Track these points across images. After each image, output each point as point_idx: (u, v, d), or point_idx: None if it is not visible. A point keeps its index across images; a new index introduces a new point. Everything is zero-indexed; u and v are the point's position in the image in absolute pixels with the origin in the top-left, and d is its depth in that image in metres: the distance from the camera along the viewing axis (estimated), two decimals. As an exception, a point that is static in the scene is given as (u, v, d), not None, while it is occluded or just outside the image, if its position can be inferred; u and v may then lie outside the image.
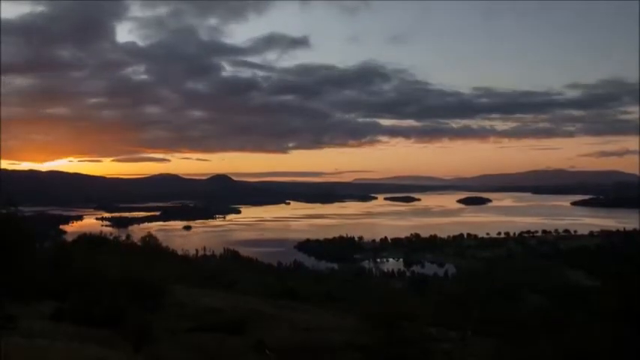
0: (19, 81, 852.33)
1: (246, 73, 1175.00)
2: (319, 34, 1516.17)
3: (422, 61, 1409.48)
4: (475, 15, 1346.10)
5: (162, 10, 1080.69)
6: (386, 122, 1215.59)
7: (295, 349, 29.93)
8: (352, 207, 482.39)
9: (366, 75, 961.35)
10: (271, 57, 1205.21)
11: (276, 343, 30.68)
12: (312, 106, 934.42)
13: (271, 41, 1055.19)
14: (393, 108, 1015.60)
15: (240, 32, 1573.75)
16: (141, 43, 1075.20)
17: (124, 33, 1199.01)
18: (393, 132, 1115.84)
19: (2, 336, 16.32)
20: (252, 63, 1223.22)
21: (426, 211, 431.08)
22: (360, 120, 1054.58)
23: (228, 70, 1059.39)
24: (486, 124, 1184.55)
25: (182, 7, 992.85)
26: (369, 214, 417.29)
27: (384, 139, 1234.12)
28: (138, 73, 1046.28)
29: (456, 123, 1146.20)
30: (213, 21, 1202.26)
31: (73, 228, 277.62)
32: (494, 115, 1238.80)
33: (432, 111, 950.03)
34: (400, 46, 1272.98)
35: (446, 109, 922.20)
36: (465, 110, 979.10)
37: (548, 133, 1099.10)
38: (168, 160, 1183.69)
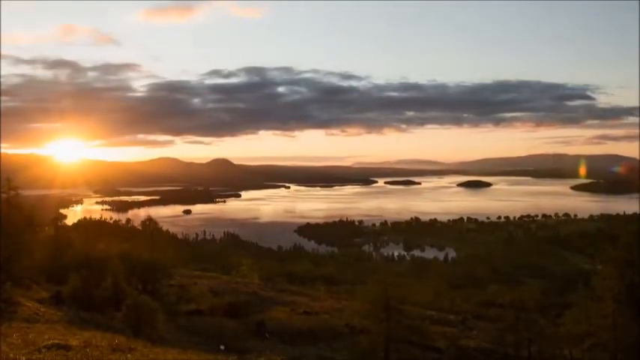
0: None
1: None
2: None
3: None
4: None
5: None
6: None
7: (295, 332, 30.03)
8: (350, 190, 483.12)
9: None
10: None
11: (276, 326, 30.79)
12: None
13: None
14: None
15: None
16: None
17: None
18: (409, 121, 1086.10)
19: (2, 319, 16.28)
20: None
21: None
22: (379, 112, 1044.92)
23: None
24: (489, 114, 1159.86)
25: None
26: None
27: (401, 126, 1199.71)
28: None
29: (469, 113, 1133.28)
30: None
31: (73, 212, 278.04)
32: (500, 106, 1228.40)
33: (450, 102, 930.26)
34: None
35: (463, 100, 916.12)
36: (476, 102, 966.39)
37: (551, 120, 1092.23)
38: (170, 144, 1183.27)
